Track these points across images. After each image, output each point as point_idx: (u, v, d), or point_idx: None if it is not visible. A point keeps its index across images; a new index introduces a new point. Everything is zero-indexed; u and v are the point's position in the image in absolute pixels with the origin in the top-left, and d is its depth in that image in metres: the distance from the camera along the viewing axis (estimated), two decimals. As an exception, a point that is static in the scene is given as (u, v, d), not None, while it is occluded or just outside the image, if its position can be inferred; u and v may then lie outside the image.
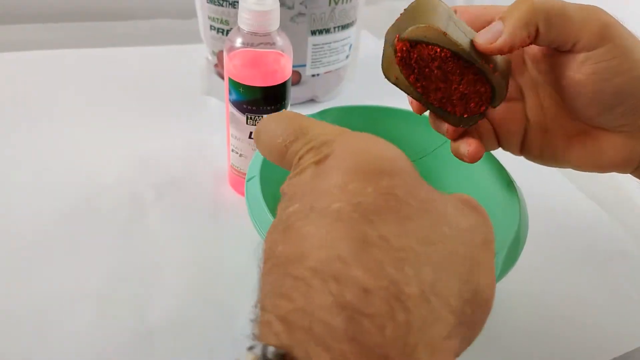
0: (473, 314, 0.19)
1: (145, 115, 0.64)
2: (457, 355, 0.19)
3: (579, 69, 0.31)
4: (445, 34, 0.30)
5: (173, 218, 0.51)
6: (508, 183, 0.42)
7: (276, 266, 0.19)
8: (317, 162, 0.21)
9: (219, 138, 0.59)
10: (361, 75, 0.75)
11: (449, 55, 0.31)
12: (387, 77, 0.33)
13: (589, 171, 0.36)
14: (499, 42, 0.30)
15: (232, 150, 0.51)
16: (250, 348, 0.17)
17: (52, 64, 0.72)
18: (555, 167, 0.37)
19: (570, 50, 0.31)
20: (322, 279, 0.17)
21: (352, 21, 0.65)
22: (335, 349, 0.16)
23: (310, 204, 0.20)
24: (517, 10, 0.30)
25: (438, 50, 0.31)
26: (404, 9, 0.32)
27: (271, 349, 0.16)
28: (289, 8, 0.60)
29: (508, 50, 0.31)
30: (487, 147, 0.37)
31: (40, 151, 0.57)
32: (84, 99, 0.66)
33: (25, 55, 0.73)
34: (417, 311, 0.17)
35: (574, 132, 0.35)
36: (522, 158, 0.39)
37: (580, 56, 0.31)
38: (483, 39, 0.31)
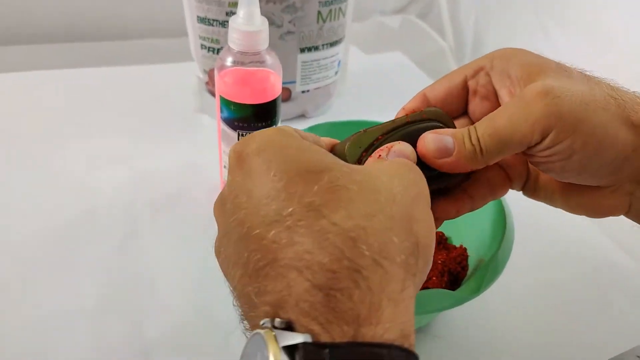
0: (417, 261, 0.23)
1: (138, 133, 0.65)
2: (415, 294, 0.23)
3: (538, 155, 0.29)
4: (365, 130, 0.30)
5: (168, 235, 0.51)
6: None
7: (251, 274, 0.22)
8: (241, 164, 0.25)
9: (211, 154, 0.60)
10: (350, 90, 0.77)
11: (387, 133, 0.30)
12: None
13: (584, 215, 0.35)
14: (444, 162, 0.29)
15: (225, 167, 0.51)
16: (260, 326, 0.21)
17: (45, 84, 0.73)
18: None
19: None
20: (297, 270, 0.21)
21: (340, 38, 0.67)
22: (320, 317, 0.20)
23: (263, 212, 0.23)
24: (465, 140, 0.29)
25: (380, 137, 0.30)
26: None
27: (278, 320, 0.21)
28: (278, 26, 0.61)
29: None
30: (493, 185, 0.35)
31: (35, 170, 0.58)
32: (78, 118, 0.67)
33: (18, 76, 0.74)
34: (373, 276, 0.21)
35: (564, 185, 0.34)
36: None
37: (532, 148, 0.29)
38: (430, 149, 0.29)
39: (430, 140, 0.29)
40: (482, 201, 0.33)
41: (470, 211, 0.33)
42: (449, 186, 0.32)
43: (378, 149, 0.29)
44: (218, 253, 0.26)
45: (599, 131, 0.28)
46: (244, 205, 0.23)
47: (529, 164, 0.34)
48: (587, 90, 0.28)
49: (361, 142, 0.30)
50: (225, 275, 0.25)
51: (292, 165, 0.24)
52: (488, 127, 0.28)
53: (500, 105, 0.32)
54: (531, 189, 0.35)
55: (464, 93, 0.34)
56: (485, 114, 0.30)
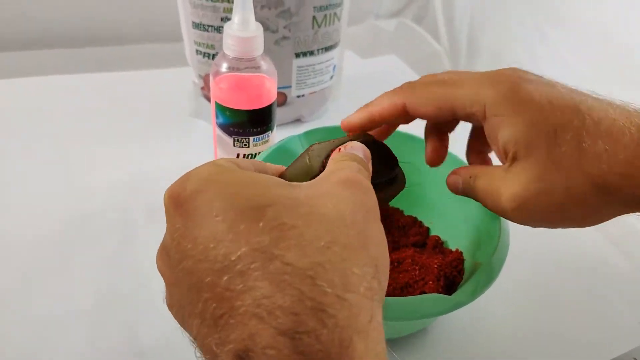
0: (380, 283, 0.23)
1: (135, 138, 0.65)
2: (381, 314, 0.22)
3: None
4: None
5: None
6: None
7: (210, 324, 0.21)
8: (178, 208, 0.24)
9: (207, 159, 0.60)
10: (346, 94, 0.77)
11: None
12: None
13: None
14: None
15: (220, 172, 0.52)
16: None
17: (41, 89, 0.73)
18: None
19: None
20: (258, 317, 0.20)
21: (336, 43, 0.67)
22: None
23: (212, 257, 0.21)
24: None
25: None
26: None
27: None
28: (273, 32, 0.61)
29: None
30: None
31: (31, 174, 0.58)
32: (73, 123, 0.67)
33: (14, 82, 0.74)
34: (339, 313, 0.20)
35: None
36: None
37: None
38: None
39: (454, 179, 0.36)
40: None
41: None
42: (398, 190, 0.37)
43: (336, 149, 0.31)
44: (170, 306, 0.25)
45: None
46: (190, 253, 0.22)
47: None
48: (565, 184, 0.29)
49: (320, 153, 0.31)
50: (183, 326, 0.24)
51: (234, 202, 0.22)
52: (484, 190, 0.33)
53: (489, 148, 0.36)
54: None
55: (452, 123, 0.38)
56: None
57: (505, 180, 0.31)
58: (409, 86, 0.34)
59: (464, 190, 0.35)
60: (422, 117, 0.34)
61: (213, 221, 0.22)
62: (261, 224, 0.21)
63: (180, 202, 0.24)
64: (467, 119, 0.33)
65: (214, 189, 0.23)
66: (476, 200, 0.35)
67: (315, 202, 0.23)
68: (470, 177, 0.34)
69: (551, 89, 0.30)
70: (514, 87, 0.30)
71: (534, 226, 0.32)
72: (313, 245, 0.21)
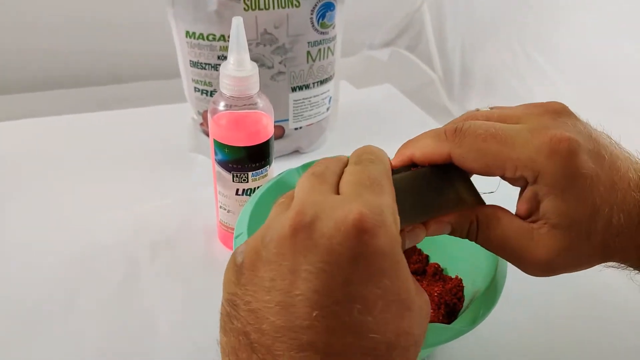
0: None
1: (135, 175, 0.66)
2: None
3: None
4: None
5: (167, 276, 0.52)
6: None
7: None
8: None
9: (208, 194, 0.61)
10: (343, 124, 0.78)
11: None
12: None
13: None
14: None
15: (220, 207, 0.52)
16: None
17: (42, 131, 0.74)
18: None
19: None
20: None
21: (330, 75, 0.69)
22: None
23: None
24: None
25: None
26: None
27: None
28: (269, 68, 0.63)
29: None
30: None
31: (35, 214, 0.59)
32: (75, 162, 0.68)
33: (14, 124, 0.75)
34: None
35: None
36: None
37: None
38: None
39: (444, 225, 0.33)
40: None
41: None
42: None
43: None
44: None
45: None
46: None
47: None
48: (589, 252, 0.31)
49: None
50: None
51: None
52: (502, 242, 0.32)
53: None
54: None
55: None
56: None
57: (537, 242, 0.31)
58: (456, 134, 0.31)
59: (467, 234, 0.33)
60: (467, 170, 0.32)
61: None
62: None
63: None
64: (512, 181, 0.32)
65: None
66: (483, 246, 0.33)
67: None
68: (472, 223, 0.32)
69: (598, 159, 0.30)
70: (571, 162, 0.29)
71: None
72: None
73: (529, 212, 0.31)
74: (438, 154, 0.31)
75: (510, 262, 0.33)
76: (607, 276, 0.55)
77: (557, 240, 0.30)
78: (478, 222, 0.33)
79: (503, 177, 0.31)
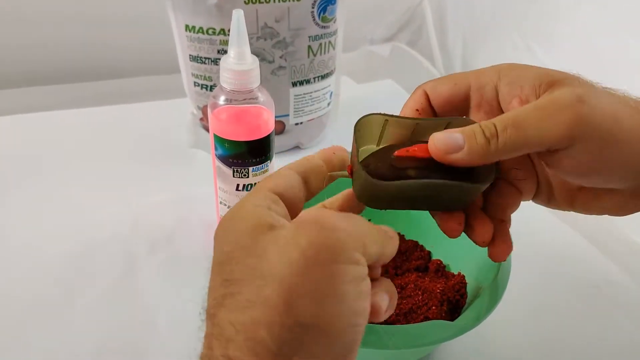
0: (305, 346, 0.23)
1: (136, 171, 0.66)
2: None
3: (559, 161, 0.28)
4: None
5: (166, 272, 0.51)
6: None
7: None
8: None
9: (207, 190, 0.60)
10: (344, 119, 0.77)
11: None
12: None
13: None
14: (456, 157, 0.28)
15: (221, 203, 0.52)
16: None
17: (40, 125, 0.74)
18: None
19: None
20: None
21: (331, 70, 0.68)
22: None
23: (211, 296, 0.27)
24: (477, 135, 0.28)
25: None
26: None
27: None
28: (270, 62, 0.62)
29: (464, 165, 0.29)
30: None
31: (32, 209, 0.58)
32: (74, 158, 0.67)
33: (13, 119, 0.75)
34: None
35: (582, 191, 0.33)
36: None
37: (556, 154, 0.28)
38: (440, 147, 0.28)
39: (439, 138, 0.28)
40: (497, 218, 0.32)
41: (487, 231, 0.32)
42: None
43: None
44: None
45: (627, 148, 0.28)
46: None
47: (539, 176, 0.33)
48: (616, 103, 0.28)
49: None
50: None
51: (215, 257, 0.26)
52: (511, 122, 0.27)
53: None
54: (545, 200, 0.34)
55: (466, 104, 0.33)
56: None
57: (555, 100, 0.28)
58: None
59: (503, 149, 0.27)
60: (437, 104, 0.33)
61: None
62: (220, 278, 0.25)
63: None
64: (479, 88, 0.32)
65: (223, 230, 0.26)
66: (523, 148, 0.28)
67: (263, 253, 0.23)
68: (506, 129, 0.27)
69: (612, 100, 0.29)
70: (578, 118, 0.27)
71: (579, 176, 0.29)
72: (240, 304, 0.23)
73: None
74: (457, 90, 0.33)
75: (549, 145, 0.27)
76: (608, 272, 0.55)
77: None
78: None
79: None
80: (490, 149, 0.27)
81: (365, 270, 0.24)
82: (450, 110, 0.33)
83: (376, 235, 0.26)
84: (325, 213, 0.25)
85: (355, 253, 0.24)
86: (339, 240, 0.23)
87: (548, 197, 0.34)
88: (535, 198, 0.34)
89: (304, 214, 0.28)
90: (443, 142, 0.28)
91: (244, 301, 0.22)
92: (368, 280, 0.24)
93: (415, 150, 0.29)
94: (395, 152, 0.30)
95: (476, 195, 0.31)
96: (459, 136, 0.28)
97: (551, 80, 0.29)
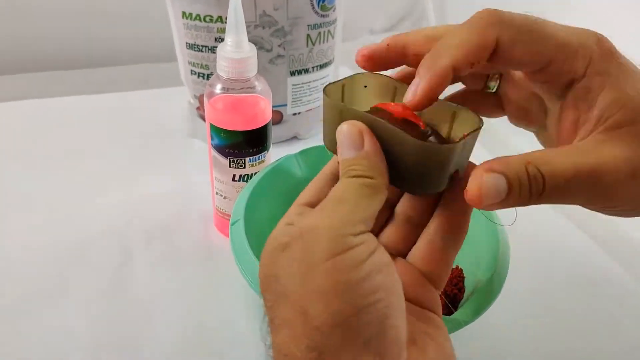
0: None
1: (131, 161, 0.65)
2: None
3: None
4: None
5: (162, 263, 0.51)
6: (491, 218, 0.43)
7: None
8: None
9: (204, 179, 0.60)
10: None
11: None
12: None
13: None
14: (489, 205, 0.23)
15: (217, 193, 0.51)
16: None
17: (36, 112, 0.73)
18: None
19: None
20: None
21: (330, 60, 0.67)
22: None
23: None
24: (522, 182, 0.23)
25: None
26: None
27: None
28: (268, 51, 0.61)
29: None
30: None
31: (25, 199, 0.57)
32: (70, 146, 0.67)
33: (8, 105, 0.74)
34: None
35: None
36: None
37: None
38: (483, 193, 0.23)
39: (489, 185, 0.23)
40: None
41: None
42: None
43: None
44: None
45: None
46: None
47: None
48: None
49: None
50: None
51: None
52: (564, 180, 0.23)
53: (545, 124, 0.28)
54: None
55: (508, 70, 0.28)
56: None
57: (607, 149, 0.24)
58: (498, 18, 0.24)
59: (530, 192, 0.23)
60: (508, 61, 0.25)
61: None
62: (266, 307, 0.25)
63: None
64: (556, 75, 0.26)
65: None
66: (557, 198, 0.24)
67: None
68: (530, 164, 0.23)
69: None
70: (613, 51, 0.25)
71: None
72: (275, 327, 0.24)
73: (575, 124, 0.25)
74: (483, 46, 0.24)
75: (595, 196, 0.24)
76: (606, 270, 0.54)
77: (630, 138, 0.24)
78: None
79: (542, 76, 0.26)
80: (528, 203, 0.23)
81: (366, 248, 0.23)
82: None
83: (355, 205, 0.24)
84: (306, 219, 0.24)
85: (343, 241, 0.23)
86: (318, 240, 0.23)
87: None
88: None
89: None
90: (489, 189, 0.23)
91: (278, 324, 0.24)
92: (376, 253, 0.23)
93: (394, 107, 0.26)
94: (377, 104, 0.27)
95: (441, 171, 0.26)
96: (504, 185, 0.23)
97: (618, 121, 0.24)
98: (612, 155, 0.23)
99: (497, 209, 0.24)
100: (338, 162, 0.27)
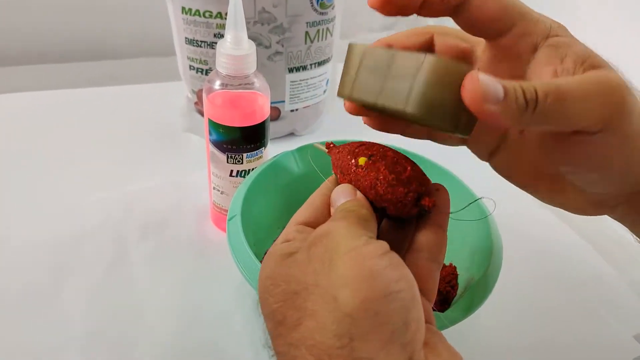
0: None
1: (128, 155, 0.65)
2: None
3: (571, 148, 0.27)
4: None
5: (157, 258, 0.51)
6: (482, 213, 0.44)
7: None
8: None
9: (201, 175, 0.60)
10: (340, 107, 0.77)
11: None
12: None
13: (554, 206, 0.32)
14: (490, 109, 0.23)
15: (214, 188, 0.51)
16: None
17: (32, 105, 0.73)
18: (522, 189, 0.33)
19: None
20: None
21: (328, 57, 0.67)
22: None
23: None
24: (518, 94, 0.23)
25: None
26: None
27: None
28: (266, 47, 0.61)
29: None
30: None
31: (20, 193, 0.58)
32: (66, 140, 0.67)
33: (4, 98, 0.74)
34: None
35: (545, 171, 0.31)
36: (500, 185, 0.36)
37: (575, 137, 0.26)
38: (479, 90, 0.23)
39: (486, 82, 0.23)
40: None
41: None
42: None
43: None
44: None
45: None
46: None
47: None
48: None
49: None
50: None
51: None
52: (553, 91, 0.24)
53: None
54: (500, 164, 0.32)
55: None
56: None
57: (605, 80, 0.25)
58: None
59: (538, 118, 0.24)
60: (480, 19, 0.27)
61: None
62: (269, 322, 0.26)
63: None
64: (521, 36, 0.27)
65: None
66: (551, 115, 0.24)
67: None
68: (547, 97, 0.24)
69: None
70: (623, 104, 0.25)
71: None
72: (289, 326, 0.25)
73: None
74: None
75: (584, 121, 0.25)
76: (596, 269, 0.55)
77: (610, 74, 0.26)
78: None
79: (507, 40, 0.27)
80: (525, 113, 0.24)
81: (383, 244, 0.26)
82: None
83: (358, 219, 0.28)
84: (317, 230, 0.27)
85: (360, 238, 0.26)
86: (338, 237, 0.26)
87: (511, 167, 0.32)
88: (498, 165, 0.32)
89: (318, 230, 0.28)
90: (486, 86, 0.23)
91: (294, 320, 0.25)
92: (392, 252, 0.25)
93: None
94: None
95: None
96: (500, 88, 0.23)
97: (596, 63, 0.26)
98: (597, 75, 0.25)
99: (496, 119, 0.23)
100: (330, 182, 0.32)
